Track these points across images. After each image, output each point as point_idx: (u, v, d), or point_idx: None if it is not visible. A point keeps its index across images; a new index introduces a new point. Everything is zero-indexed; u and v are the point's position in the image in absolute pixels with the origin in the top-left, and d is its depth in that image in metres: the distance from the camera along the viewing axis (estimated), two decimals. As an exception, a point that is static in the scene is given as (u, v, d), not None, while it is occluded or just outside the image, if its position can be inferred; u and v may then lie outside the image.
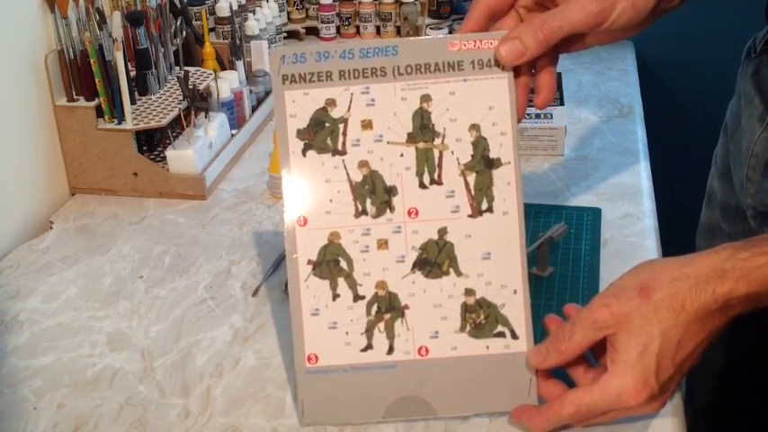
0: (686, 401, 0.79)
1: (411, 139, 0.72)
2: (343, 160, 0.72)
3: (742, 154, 0.91)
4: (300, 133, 0.72)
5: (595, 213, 1.01)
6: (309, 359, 0.72)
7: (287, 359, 0.81)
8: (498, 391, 0.72)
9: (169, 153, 1.09)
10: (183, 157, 1.08)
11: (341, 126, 0.72)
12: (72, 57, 1.07)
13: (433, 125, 0.72)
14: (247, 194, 1.10)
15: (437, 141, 0.72)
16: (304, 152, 0.72)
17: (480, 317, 0.72)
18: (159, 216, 1.06)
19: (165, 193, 1.10)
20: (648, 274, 0.67)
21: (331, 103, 0.72)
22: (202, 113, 1.14)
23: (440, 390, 0.72)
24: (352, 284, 0.72)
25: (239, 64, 1.24)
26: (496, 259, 0.72)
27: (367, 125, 0.72)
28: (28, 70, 1.05)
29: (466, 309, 0.72)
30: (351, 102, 0.72)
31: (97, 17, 1.05)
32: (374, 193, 0.72)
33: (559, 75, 1.27)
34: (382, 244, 0.72)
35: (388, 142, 0.72)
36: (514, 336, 0.72)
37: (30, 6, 1.05)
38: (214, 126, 1.13)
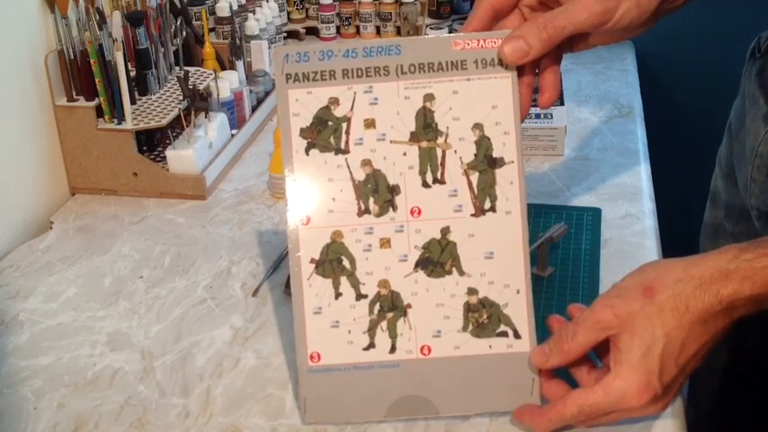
0: (689, 403, 0.79)
1: (414, 138, 0.72)
2: (346, 159, 0.72)
3: (746, 154, 0.91)
4: (303, 132, 0.72)
5: (595, 213, 1.01)
6: (312, 358, 0.72)
7: (287, 359, 0.80)
8: (501, 390, 0.72)
9: (169, 153, 1.09)
10: (183, 157, 1.08)
11: (344, 125, 0.72)
12: (72, 57, 1.07)
13: (436, 124, 0.72)
14: (247, 194, 1.10)
15: (440, 140, 0.72)
16: (307, 151, 0.72)
17: (483, 316, 0.72)
18: (159, 216, 1.06)
19: (165, 193, 1.10)
20: (652, 275, 0.67)
21: (334, 101, 0.72)
22: (202, 113, 1.13)
23: (442, 389, 0.72)
24: (355, 283, 0.72)
25: (239, 64, 1.24)
26: (499, 259, 0.72)
27: (370, 124, 0.72)
28: (28, 70, 1.05)
29: (468, 308, 0.72)
30: (354, 101, 0.72)
31: (97, 17, 1.05)
32: (377, 191, 0.72)
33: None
34: (385, 243, 0.72)
35: (391, 141, 0.72)
36: (517, 335, 0.72)
37: (30, 6, 1.05)
38: (214, 126, 1.13)
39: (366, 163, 0.72)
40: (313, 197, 0.72)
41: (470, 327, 0.72)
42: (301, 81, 0.72)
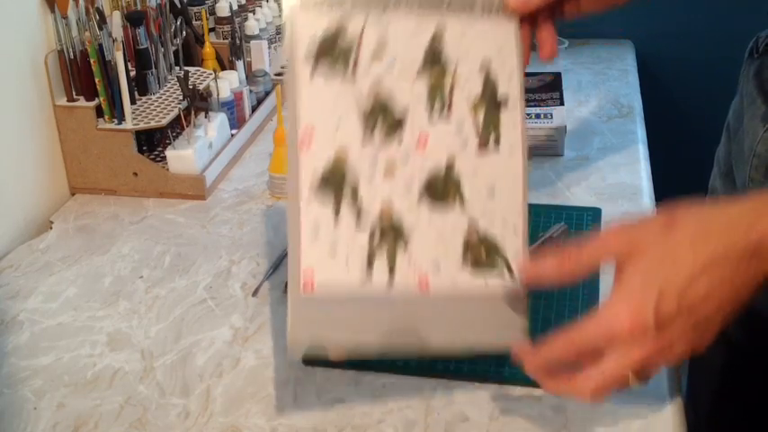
0: (688, 404, 0.78)
1: (422, 71, 0.71)
2: (353, 87, 0.70)
3: (744, 154, 0.91)
4: (309, 58, 0.70)
5: (595, 213, 1.01)
6: (305, 285, 0.69)
7: (287, 359, 0.81)
8: (493, 326, 0.71)
9: (169, 153, 1.09)
10: (183, 156, 1.08)
11: (351, 54, 0.70)
12: (72, 57, 1.07)
13: (445, 61, 0.71)
14: (247, 194, 1.10)
15: (447, 77, 0.71)
16: (312, 76, 0.70)
17: (481, 253, 0.71)
18: (159, 216, 1.06)
19: (165, 193, 1.10)
20: (678, 211, 0.63)
21: (343, 29, 0.70)
22: (202, 113, 1.14)
23: (435, 321, 0.70)
24: (356, 211, 0.70)
25: (239, 64, 1.24)
26: (500, 197, 0.71)
27: (378, 55, 0.71)
28: (28, 70, 1.05)
29: (468, 244, 0.71)
30: (363, 30, 0.70)
31: (97, 17, 1.05)
32: (383, 122, 0.70)
33: (559, 75, 1.27)
34: (388, 173, 0.71)
35: (398, 73, 0.71)
36: (512, 273, 0.71)
37: (30, 6, 1.05)
38: (214, 126, 1.13)
39: (372, 93, 0.70)
40: (317, 123, 0.69)
41: (468, 262, 0.71)
42: (311, 7, 0.70)
